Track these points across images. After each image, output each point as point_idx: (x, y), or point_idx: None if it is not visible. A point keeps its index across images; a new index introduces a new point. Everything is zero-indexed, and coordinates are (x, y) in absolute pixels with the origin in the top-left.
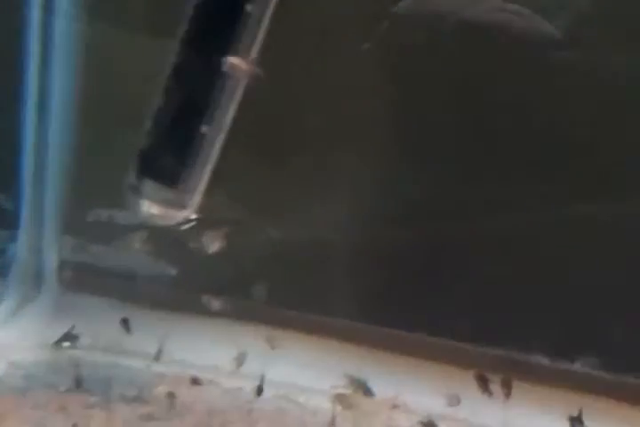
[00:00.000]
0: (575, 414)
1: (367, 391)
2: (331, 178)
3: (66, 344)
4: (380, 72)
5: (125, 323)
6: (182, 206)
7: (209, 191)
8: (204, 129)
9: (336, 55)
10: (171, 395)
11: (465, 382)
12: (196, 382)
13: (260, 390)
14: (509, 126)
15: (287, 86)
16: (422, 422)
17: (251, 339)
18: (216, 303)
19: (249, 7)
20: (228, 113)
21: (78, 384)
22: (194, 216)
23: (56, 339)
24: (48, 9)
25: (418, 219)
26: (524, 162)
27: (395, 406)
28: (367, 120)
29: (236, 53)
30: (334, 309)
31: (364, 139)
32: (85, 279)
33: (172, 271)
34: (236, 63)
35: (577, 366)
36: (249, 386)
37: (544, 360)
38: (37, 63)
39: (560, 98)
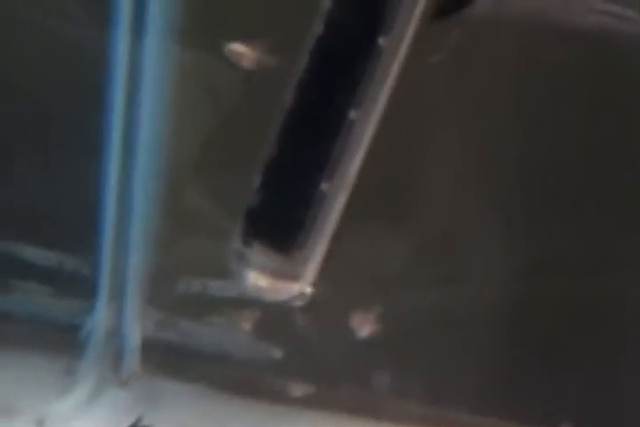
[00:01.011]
0: None
1: None
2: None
3: None
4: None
5: None
6: (296, 278)
7: (326, 260)
8: (323, 186)
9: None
10: None
11: None
12: None
13: None
14: None
15: (407, 138)
16: None
17: None
18: (323, 392)
19: (381, 40)
20: (351, 168)
21: None
22: (309, 290)
23: None
24: (137, 29)
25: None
26: None
27: None
28: (488, 168)
29: (363, 99)
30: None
31: (488, 190)
32: (172, 361)
33: (278, 354)
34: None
35: None
36: None
37: None
38: (123, 99)
39: None
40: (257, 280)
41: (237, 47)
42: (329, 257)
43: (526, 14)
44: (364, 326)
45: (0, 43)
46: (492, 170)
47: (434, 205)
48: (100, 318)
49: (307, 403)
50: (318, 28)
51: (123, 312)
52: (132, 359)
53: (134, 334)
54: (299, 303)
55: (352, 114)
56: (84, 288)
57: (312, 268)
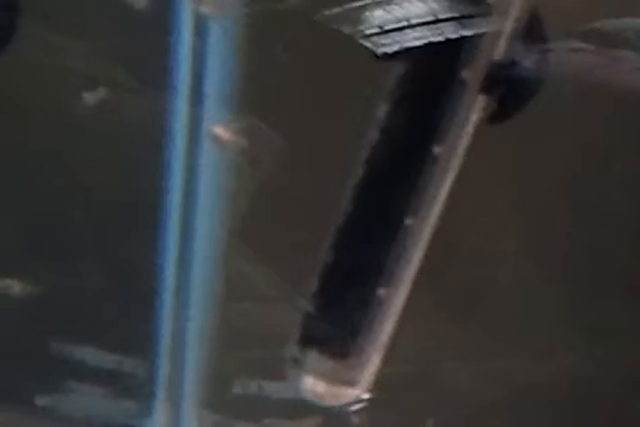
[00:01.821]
0: None
1: None
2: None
3: None
4: None
5: None
6: (353, 383)
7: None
8: (380, 291)
9: None
10: None
11: None
12: None
13: None
14: None
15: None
16: None
17: None
18: None
19: (436, 149)
20: (407, 273)
21: None
22: (366, 395)
23: None
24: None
25: None
26: None
27: None
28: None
29: (419, 206)
30: None
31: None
32: None
33: None
34: None
35: None
36: None
37: None
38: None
39: None
40: (313, 385)
41: None
42: (385, 361)
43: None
44: None
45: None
46: (542, 252)
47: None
48: (158, 420)
49: None
50: (373, 135)
51: (180, 414)
52: None
53: None
54: (356, 408)
55: (408, 221)
56: (142, 390)
57: (369, 373)
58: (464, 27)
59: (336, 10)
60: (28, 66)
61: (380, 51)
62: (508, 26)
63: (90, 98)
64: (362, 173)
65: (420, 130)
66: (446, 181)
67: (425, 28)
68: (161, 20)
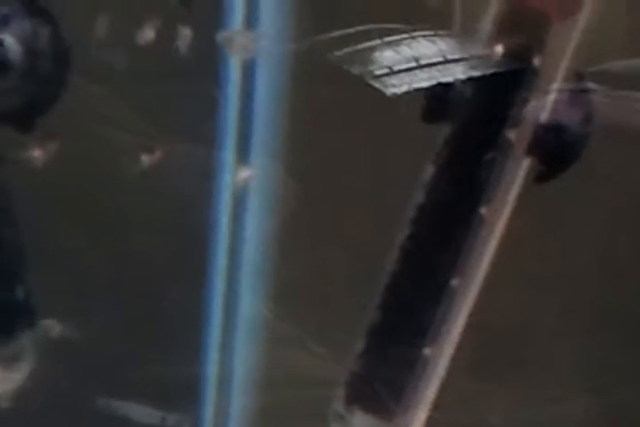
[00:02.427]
0: None
1: None
2: None
3: None
4: None
5: None
6: None
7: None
8: (426, 352)
9: None
10: None
11: None
12: None
13: None
14: None
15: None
16: None
17: None
18: None
19: (483, 210)
20: (453, 334)
21: None
22: None
23: None
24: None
25: None
26: None
27: None
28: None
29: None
30: None
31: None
32: None
33: None
34: None
35: None
36: None
37: None
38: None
39: None
40: None
41: None
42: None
43: None
44: None
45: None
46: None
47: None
48: None
49: None
50: (419, 197)
51: None
52: None
53: None
54: None
55: (454, 281)
56: None
57: None
58: (473, 67)
59: (346, 50)
60: (83, 130)
61: (390, 91)
62: (554, 88)
63: (145, 160)
64: (408, 234)
65: (466, 191)
66: (492, 241)
67: (434, 68)
68: (206, 74)
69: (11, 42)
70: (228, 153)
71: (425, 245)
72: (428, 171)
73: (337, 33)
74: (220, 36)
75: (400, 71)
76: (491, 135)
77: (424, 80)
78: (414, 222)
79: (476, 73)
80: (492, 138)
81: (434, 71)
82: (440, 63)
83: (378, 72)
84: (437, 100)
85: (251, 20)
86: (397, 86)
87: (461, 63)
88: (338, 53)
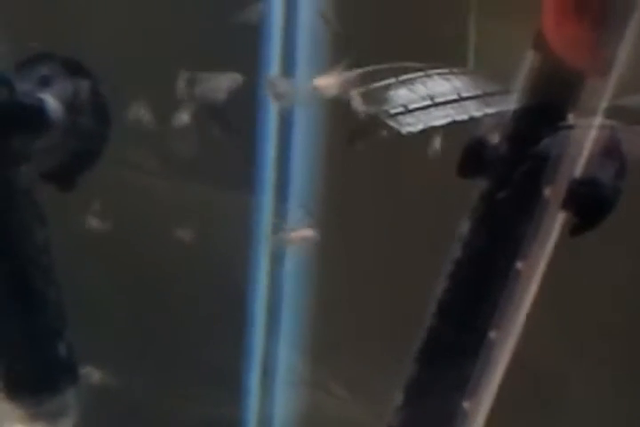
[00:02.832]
0: None
1: None
2: None
3: None
4: None
5: None
6: None
7: None
8: (465, 405)
9: None
10: None
11: None
12: None
13: None
14: None
15: None
16: None
17: None
18: None
19: (519, 265)
20: (491, 387)
21: None
22: None
23: None
24: None
25: None
26: None
27: None
28: None
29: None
30: None
31: None
32: None
33: None
34: None
35: None
36: None
37: None
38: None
39: None
40: None
41: None
42: None
43: None
44: None
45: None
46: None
47: None
48: None
49: None
50: (456, 252)
51: None
52: None
53: None
54: None
55: (492, 334)
56: None
57: None
58: (487, 105)
59: (360, 89)
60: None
61: (406, 130)
62: (589, 141)
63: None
64: (445, 288)
65: (502, 246)
66: (529, 295)
67: (449, 106)
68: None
69: (52, 102)
70: (267, 207)
71: (462, 299)
72: (465, 226)
73: (353, 72)
74: (263, 83)
75: (415, 110)
76: (526, 190)
77: (440, 118)
78: (451, 277)
79: (491, 110)
80: (527, 193)
81: (449, 109)
82: (455, 101)
83: (393, 111)
84: (473, 155)
85: (287, 69)
86: (413, 125)
87: (476, 100)
88: (353, 93)
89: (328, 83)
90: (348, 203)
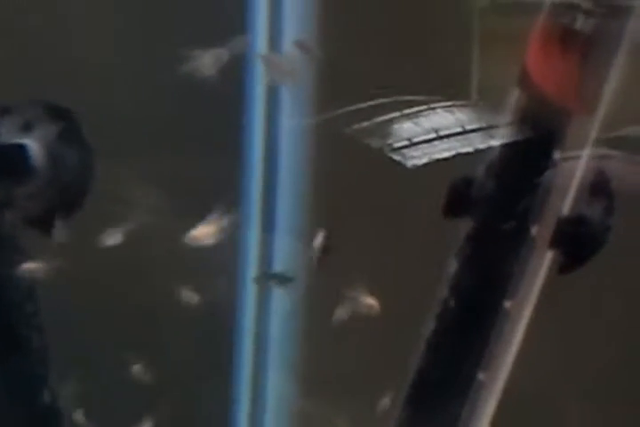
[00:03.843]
0: None
1: None
2: None
3: None
4: None
5: None
6: None
7: None
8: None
9: None
10: None
11: None
12: None
13: None
14: None
15: None
16: None
17: None
18: None
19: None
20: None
21: None
22: None
23: None
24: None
25: None
26: None
27: None
28: None
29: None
30: None
31: None
32: None
33: None
34: None
35: None
36: None
37: None
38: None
39: None
40: None
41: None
42: None
43: None
44: None
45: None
46: None
47: None
48: None
49: None
50: (443, 292)
51: None
52: None
53: None
54: None
55: (480, 375)
56: None
57: None
58: (492, 137)
59: (364, 123)
60: None
61: (410, 163)
62: (576, 179)
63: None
64: (433, 328)
65: (490, 286)
66: (518, 334)
67: (453, 138)
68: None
69: (34, 148)
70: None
71: (450, 339)
72: (452, 265)
73: (355, 106)
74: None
75: (419, 143)
76: (512, 230)
77: (444, 151)
78: (439, 317)
79: (495, 143)
80: (513, 232)
81: (453, 142)
82: (459, 133)
83: (397, 144)
84: (458, 195)
85: None
86: (417, 158)
87: (480, 133)
88: (357, 127)
89: (206, 232)
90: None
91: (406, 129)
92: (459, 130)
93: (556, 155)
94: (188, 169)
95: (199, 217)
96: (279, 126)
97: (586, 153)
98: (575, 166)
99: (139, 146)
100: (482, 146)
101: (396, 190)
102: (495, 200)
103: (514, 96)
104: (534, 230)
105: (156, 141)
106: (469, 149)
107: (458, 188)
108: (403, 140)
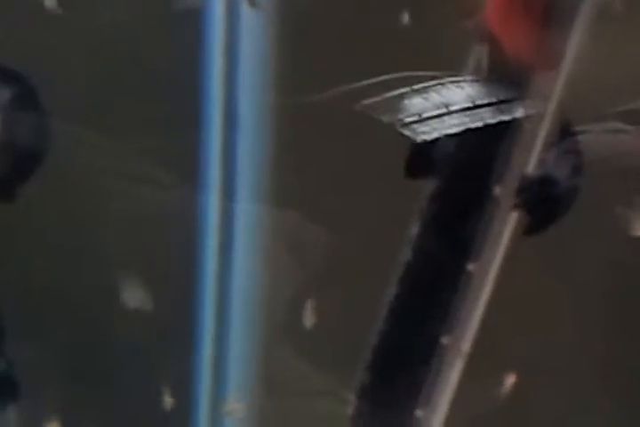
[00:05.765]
0: None
1: None
2: None
3: None
4: None
5: None
6: None
7: None
8: (418, 413)
9: None
10: None
11: None
12: None
13: None
14: None
15: None
16: None
17: None
18: None
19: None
20: (444, 396)
21: None
22: None
23: None
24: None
25: None
26: None
27: None
28: None
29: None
30: None
31: None
32: None
33: None
34: None
35: None
36: None
37: None
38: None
39: None
40: None
41: None
42: None
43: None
44: None
45: (88, 214)
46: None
47: None
48: None
49: None
50: (406, 254)
51: None
52: None
53: None
54: None
55: (444, 339)
56: None
57: None
58: (502, 112)
59: (374, 99)
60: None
61: (420, 138)
62: (540, 138)
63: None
64: (396, 292)
65: (453, 247)
66: (482, 297)
67: (463, 114)
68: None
69: None
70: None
71: (413, 303)
72: (414, 227)
73: (365, 82)
74: None
75: (429, 118)
76: (476, 190)
77: (454, 126)
78: (402, 280)
79: (505, 117)
80: (477, 193)
81: (463, 117)
82: (469, 109)
83: (407, 120)
84: (421, 155)
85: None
86: (427, 133)
87: (491, 108)
88: (366, 102)
89: None
90: (296, 202)
91: (416, 104)
92: (469, 105)
93: (519, 112)
94: (147, 137)
95: (157, 185)
96: (239, 95)
97: (549, 110)
98: (539, 124)
99: (93, 113)
100: (492, 121)
101: (357, 153)
102: (457, 159)
103: (474, 52)
104: (497, 190)
105: (108, 108)
106: (480, 124)
107: (419, 147)
108: (412, 115)
